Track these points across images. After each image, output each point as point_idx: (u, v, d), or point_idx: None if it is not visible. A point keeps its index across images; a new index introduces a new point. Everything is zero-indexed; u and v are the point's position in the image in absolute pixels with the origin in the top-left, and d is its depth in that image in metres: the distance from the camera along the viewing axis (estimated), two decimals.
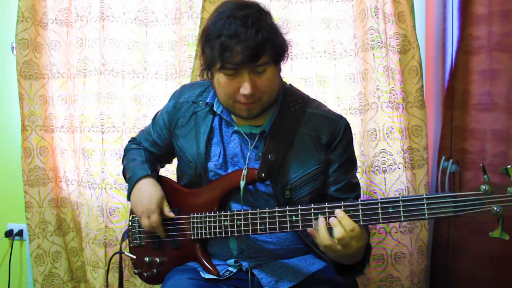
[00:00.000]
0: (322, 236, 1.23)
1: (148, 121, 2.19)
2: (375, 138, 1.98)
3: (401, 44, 1.94)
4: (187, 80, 2.12)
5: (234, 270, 1.46)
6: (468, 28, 1.72)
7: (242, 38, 1.26)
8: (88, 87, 2.25)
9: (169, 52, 2.21)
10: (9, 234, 2.50)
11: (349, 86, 2.03)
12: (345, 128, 1.46)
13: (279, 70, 1.41)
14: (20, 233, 2.49)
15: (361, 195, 1.62)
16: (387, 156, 1.97)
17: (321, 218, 1.24)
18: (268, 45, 1.30)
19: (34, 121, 2.26)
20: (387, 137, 1.96)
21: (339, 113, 1.53)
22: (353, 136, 1.96)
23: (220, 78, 1.34)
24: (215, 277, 1.43)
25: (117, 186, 2.23)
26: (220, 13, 1.32)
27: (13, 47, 2.38)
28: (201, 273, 1.45)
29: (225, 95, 1.36)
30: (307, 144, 1.41)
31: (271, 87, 1.37)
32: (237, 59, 1.27)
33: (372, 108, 1.98)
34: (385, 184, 1.98)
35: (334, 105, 2.03)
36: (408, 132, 1.96)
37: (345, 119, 1.48)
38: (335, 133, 1.43)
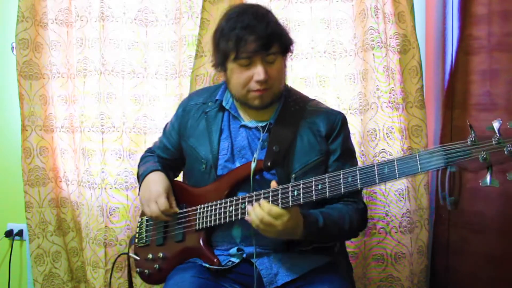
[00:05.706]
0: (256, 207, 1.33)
1: (148, 121, 2.22)
2: (375, 138, 1.98)
3: (401, 44, 1.94)
4: (187, 80, 2.12)
5: (237, 261, 1.49)
6: (468, 28, 1.72)
7: (255, 29, 1.40)
8: (88, 87, 2.24)
9: (169, 52, 2.21)
10: (9, 234, 2.50)
11: (349, 86, 2.03)
12: (343, 121, 1.56)
13: (285, 64, 1.52)
14: (20, 233, 2.49)
15: (361, 195, 1.62)
16: (387, 156, 1.97)
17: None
18: (278, 36, 1.44)
19: (34, 121, 2.26)
20: (387, 137, 1.97)
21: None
22: (353, 136, 1.99)
23: (234, 68, 1.45)
24: (217, 267, 1.46)
25: (117, 186, 2.22)
26: (230, 14, 1.47)
27: (13, 47, 2.38)
28: (203, 264, 1.49)
29: (239, 85, 1.46)
30: (308, 136, 1.51)
31: (280, 77, 1.50)
32: (251, 47, 1.40)
33: (372, 108, 1.98)
34: (385, 184, 1.98)
35: (334, 105, 2.02)
36: (408, 132, 1.96)
37: (343, 114, 1.58)
38: (333, 125, 1.53)
